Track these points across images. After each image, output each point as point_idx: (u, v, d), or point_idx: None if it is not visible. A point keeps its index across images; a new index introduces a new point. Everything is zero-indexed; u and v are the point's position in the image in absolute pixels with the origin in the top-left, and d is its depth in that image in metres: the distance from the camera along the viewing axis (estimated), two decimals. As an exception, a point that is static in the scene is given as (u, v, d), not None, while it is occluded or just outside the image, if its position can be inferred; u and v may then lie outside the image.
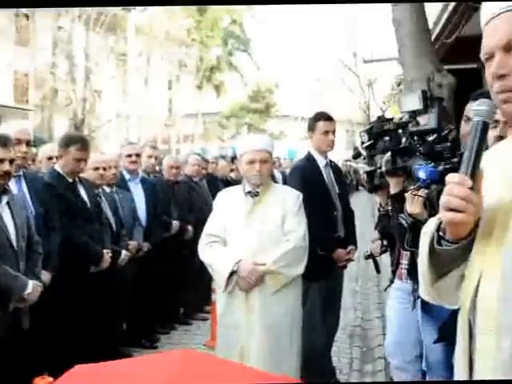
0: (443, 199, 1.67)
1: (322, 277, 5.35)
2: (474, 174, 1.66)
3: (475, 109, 1.74)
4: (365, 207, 19.02)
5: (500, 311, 1.62)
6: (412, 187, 3.38)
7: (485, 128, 1.72)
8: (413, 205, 3.38)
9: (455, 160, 3.16)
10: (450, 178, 1.68)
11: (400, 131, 3.77)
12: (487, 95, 1.82)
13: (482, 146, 1.70)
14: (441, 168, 3.20)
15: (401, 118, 3.91)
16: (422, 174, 3.24)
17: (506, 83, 1.70)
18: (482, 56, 1.77)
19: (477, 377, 1.70)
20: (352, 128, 40.64)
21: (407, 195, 3.43)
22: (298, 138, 43.62)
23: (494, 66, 1.71)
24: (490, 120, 1.73)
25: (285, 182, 7.93)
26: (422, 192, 3.32)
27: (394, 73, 21.63)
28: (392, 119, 3.95)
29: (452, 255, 1.78)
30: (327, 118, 5.67)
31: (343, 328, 7.71)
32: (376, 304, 9.32)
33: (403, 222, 3.51)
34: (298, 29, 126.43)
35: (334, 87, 45.90)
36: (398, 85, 15.58)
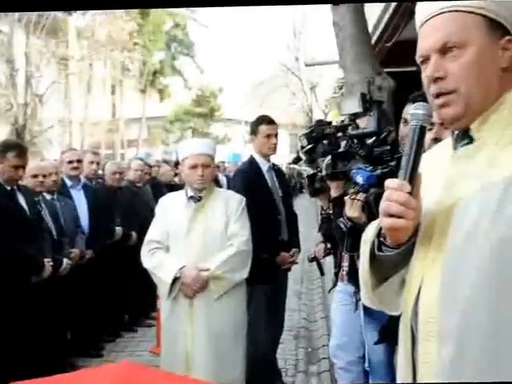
0: (382, 205, 1.66)
1: (266, 280, 5.33)
2: (413, 178, 1.66)
3: (412, 113, 1.73)
4: (309, 210, 19.09)
5: (440, 319, 1.62)
6: (351, 191, 3.39)
7: (422, 132, 1.71)
8: (351, 209, 3.39)
9: (393, 163, 3.17)
10: (389, 183, 1.67)
11: (340, 135, 3.79)
12: (424, 97, 1.81)
13: (419, 150, 1.70)
14: (378, 172, 3.20)
15: (343, 121, 3.93)
16: (359, 179, 3.25)
17: (441, 86, 1.68)
18: (418, 58, 1.75)
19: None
20: (295, 131, 40.75)
21: (346, 199, 3.43)
22: (242, 142, 43.73)
23: (430, 69, 1.69)
24: (427, 124, 1.73)
25: (229, 186, 7.92)
26: (361, 196, 3.33)
27: (336, 76, 21.86)
28: (331, 123, 3.97)
29: (392, 261, 1.78)
30: (269, 121, 5.67)
31: (288, 329, 7.73)
32: (321, 305, 9.37)
33: (342, 226, 3.52)
34: (241, 33, 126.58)
35: (277, 91, 46.04)
36: (340, 88, 15.74)
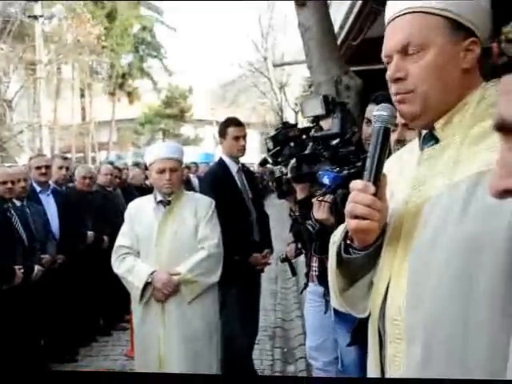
0: (347, 207, 1.67)
1: (238, 282, 5.32)
2: (377, 179, 1.67)
3: (376, 114, 1.73)
4: (281, 209, 19.09)
5: (407, 320, 1.62)
6: (318, 193, 3.40)
7: (386, 134, 1.72)
8: (319, 211, 3.40)
9: (359, 164, 3.18)
10: (354, 184, 1.68)
11: (305, 137, 3.80)
12: (386, 97, 1.83)
13: (383, 151, 1.70)
14: (345, 173, 3.19)
15: (313, 122, 3.93)
16: (326, 180, 3.24)
17: (401, 86, 1.69)
18: (383, 58, 1.76)
19: None
20: (266, 130, 40.79)
21: (314, 201, 3.44)
22: (214, 142, 43.62)
23: (391, 70, 1.70)
24: (391, 125, 1.73)
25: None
26: (328, 198, 3.34)
27: (305, 75, 21.90)
28: (296, 125, 3.97)
29: (360, 263, 1.79)
30: (237, 123, 5.67)
31: (264, 330, 7.73)
32: (296, 304, 9.37)
33: (310, 229, 3.53)
34: (209, 34, 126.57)
35: (247, 90, 46.05)
36: (310, 86, 15.76)
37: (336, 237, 1.90)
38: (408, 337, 1.62)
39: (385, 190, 1.68)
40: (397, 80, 1.70)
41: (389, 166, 1.75)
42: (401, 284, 1.65)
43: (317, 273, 4.18)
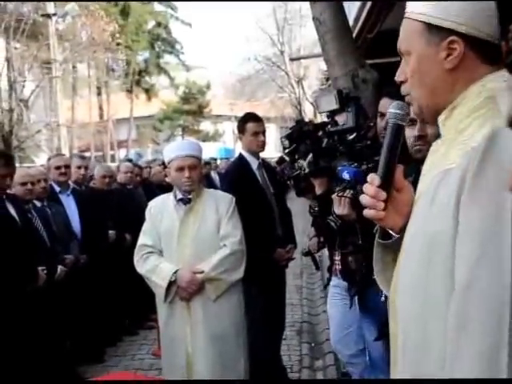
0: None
1: (263, 278, 5.30)
2: (388, 173, 1.76)
3: (390, 111, 1.80)
4: (305, 203, 19.06)
5: (395, 303, 1.75)
6: (337, 189, 3.38)
7: (399, 130, 1.79)
8: (340, 207, 3.39)
9: (377, 158, 3.16)
10: (368, 177, 1.79)
11: (320, 133, 3.78)
12: (398, 91, 1.86)
13: (395, 147, 1.77)
14: (364, 167, 3.21)
15: (328, 117, 3.92)
16: (346, 176, 3.25)
17: (403, 89, 1.79)
18: None
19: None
20: (285, 124, 40.75)
21: (334, 197, 3.43)
22: (233, 137, 43.69)
23: (397, 73, 1.78)
24: (403, 122, 1.79)
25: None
26: (348, 193, 3.32)
27: (322, 68, 21.82)
28: (311, 121, 3.97)
29: (394, 248, 1.84)
30: (256, 119, 5.67)
31: (291, 325, 7.75)
32: (322, 298, 9.29)
33: (332, 224, 3.51)
34: (225, 28, 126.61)
35: (264, 85, 45.98)
36: (327, 80, 15.70)
37: None
38: (396, 319, 1.73)
39: (401, 181, 1.78)
40: (401, 82, 1.79)
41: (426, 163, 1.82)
42: (397, 268, 1.77)
43: (339, 267, 4.15)
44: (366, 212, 1.77)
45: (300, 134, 3.87)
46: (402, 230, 1.77)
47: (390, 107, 1.80)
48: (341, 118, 3.71)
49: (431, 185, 1.61)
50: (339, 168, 3.31)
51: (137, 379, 3.50)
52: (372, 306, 3.76)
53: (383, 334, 3.55)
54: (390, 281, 1.87)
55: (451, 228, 1.49)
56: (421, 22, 1.66)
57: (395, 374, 1.73)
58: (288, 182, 4.23)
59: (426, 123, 1.93)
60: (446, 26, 1.62)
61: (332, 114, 3.75)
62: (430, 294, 1.55)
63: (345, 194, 3.34)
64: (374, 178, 1.75)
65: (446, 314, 1.48)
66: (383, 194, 1.74)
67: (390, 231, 1.84)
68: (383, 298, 2.58)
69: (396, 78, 1.78)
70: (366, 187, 1.76)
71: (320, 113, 4.04)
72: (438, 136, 1.78)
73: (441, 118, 1.71)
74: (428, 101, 1.71)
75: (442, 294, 1.52)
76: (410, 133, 3.02)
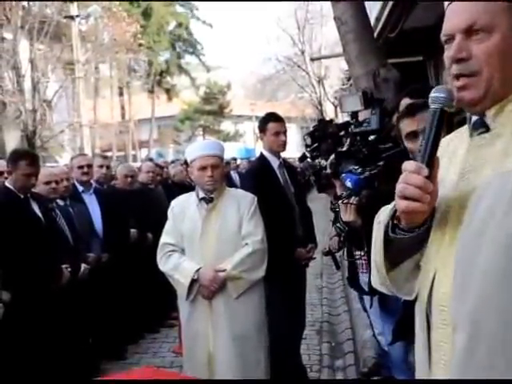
0: (398, 187, 1.63)
1: (284, 278, 5.30)
2: (431, 162, 1.62)
3: (433, 96, 1.69)
4: (325, 202, 19.04)
5: (453, 309, 1.61)
6: (343, 195, 3.40)
7: (442, 116, 1.67)
8: (346, 213, 3.41)
9: (381, 163, 3.14)
10: (407, 165, 1.64)
11: (342, 133, 3.80)
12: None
13: (438, 133, 1.66)
14: (367, 174, 3.19)
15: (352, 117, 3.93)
16: (348, 184, 3.25)
17: (463, 67, 1.65)
18: (442, 37, 1.73)
19: (435, 370, 1.69)
20: (306, 124, 40.69)
21: (340, 204, 3.45)
22: (254, 137, 43.70)
23: (453, 50, 1.66)
24: (447, 107, 1.68)
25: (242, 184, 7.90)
26: (353, 200, 3.34)
27: (344, 68, 21.75)
28: (333, 121, 3.98)
29: (406, 245, 1.76)
30: (277, 118, 5.67)
31: (311, 324, 7.74)
32: (342, 298, 9.34)
33: (339, 231, 3.53)
34: (245, 29, 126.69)
35: (285, 85, 45.92)
36: (348, 79, 15.67)
37: (380, 217, 1.88)
38: (454, 325, 1.61)
39: (437, 173, 1.64)
40: (459, 60, 1.66)
41: (439, 151, 1.69)
42: (448, 271, 1.64)
43: (363, 261, 4.15)
44: (409, 205, 1.61)
45: (322, 134, 3.89)
46: (415, 226, 1.69)
47: (433, 91, 1.69)
48: (361, 116, 3.73)
49: (507, 181, 1.53)
50: (343, 175, 3.32)
51: (153, 377, 3.51)
52: (391, 307, 3.76)
53: (397, 338, 3.55)
54: (400, 280, 1.84)
55: None
56: (510, 1, 1.61)
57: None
58: (310, 179, 4.25)
59: (468, 111, 1.80)
60: None
61: (355, 114, 3.77)
62: None
63: (350, 201, 3.36)
64: (421, 168, 1.60)
65: None
66: (430, 186, 1.60)
67: (401, 226, 1.73)
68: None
69: (455, 55, 1.65)
70: (412, 177, 1.60)
71: (343, 112, 4.05)
72: None
73: (491, 113, 1.66)
74: (501, 83, 1.63)
75: None
76: (415, 146, 2.93)
